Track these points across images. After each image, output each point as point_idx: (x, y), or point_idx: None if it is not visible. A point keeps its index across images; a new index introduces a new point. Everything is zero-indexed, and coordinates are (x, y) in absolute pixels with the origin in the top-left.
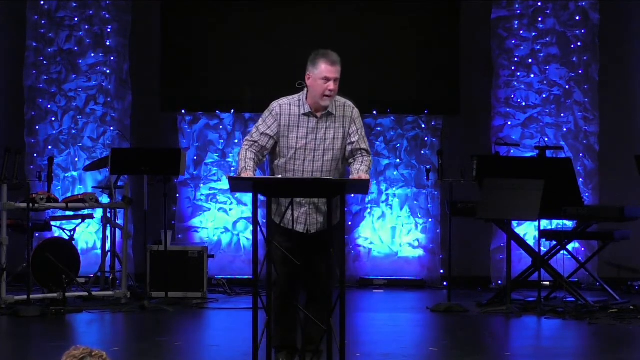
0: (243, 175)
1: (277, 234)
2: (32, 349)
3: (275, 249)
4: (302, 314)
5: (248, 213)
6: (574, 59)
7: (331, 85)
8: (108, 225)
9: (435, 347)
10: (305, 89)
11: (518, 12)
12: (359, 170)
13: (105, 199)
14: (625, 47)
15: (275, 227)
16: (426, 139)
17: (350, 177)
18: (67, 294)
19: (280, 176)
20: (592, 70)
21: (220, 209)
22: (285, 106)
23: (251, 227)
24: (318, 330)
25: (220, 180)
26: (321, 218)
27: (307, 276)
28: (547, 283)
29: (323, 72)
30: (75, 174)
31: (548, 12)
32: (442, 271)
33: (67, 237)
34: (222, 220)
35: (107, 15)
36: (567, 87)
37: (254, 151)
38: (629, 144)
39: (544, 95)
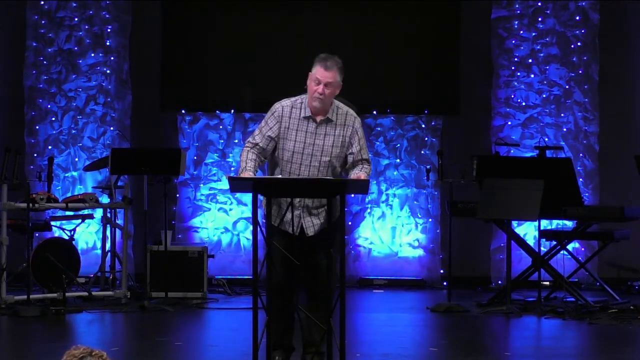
0: (243, 175)
1: (275, 235)
2: (32, 349)
3: (273, 248)
4: (302, 314)
5: (248, 213)
6: (574, 59)
7: (320, 88)
8: (108, 225)
9: (435, 347)
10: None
11: (518, 12)
12: (359, 174)
13: (105, 199)
14: (625, 47)
15: (273, 228)
16: (426, 139)
17: (349, 177)
18: (67, 294)
19: (280, 176)
20: (592, 70)
21: (220, 209)
22: (287, 108)
23: (251, 227)
24: (319, 331)
25: (220, 180)
26: (316, 220)
27: (306, 276)
28: (547, 283)
29: (316, 74)
30: (75, 174)
31: (548, 12)
32: (442, 271)
33: (67, 237)
34: (222, 220)
35: (107, 15)
36: (567, 87)
37: (255, 152)
38: (629, 144)
39: (544, 95)
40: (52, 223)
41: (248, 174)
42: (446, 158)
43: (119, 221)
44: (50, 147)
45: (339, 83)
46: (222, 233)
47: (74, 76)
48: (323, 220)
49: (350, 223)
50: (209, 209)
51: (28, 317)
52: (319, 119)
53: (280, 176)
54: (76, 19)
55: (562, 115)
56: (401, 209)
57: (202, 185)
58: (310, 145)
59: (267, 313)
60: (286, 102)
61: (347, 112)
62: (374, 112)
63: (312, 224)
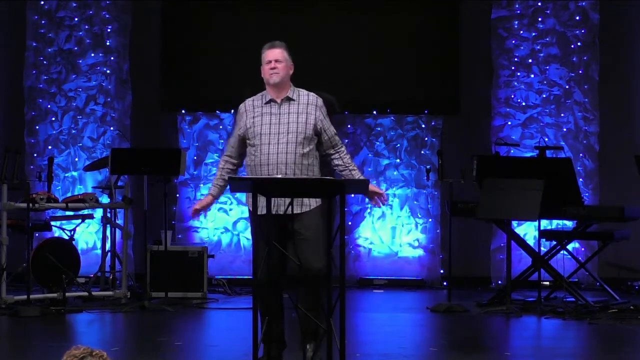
0: (205, 197)
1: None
2: (32, 349)
3: (258, 239)
4: (297, 309)
5: (248, 213)
6: (574, 59)
7: (272, 64)
8: (108, 225)
9: (435, 347)
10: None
11: (518, 12)
12: (355, 177)
13: (105, 199)
14: (625, 47)
15: (260, 218)
16: (426, 139)
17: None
18: (67, 294)
19: (253, 175)
20: (592, 70)
21: (220, 209)
22: (249, 102)
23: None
24: (309, 322)
25: None
26: (306, 200)
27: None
28: (547, 283)
29: (266, 57)
30: (75, 174)
31: (548, 12)
32: (442, 271)
33: (67, 237)
34: (222, 220)
35: (107, 15)
36: (567, 87)
37: (229, 168)
38: (629, 144)
39: (544, 95)
40: (52, 223)
41: (208, 197)
42: (446, 158)
43: (119, 221)
44: (50, 147)
45: (287, 59)
46: (222, 233)
47: (74, 76)
48: (313, 201)
49: (350, 223)
50: (209, 209)
51: (28, 317)
52: (279, 99)
53: (279, 176)
54: (76, 19)
55: (562, 115)
56: (401, 209)
57: (202, 185)
58: (275, 124)
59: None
60: (248, 99)
61: (309, 93)
62: (374, 112)
63: (301, 203)
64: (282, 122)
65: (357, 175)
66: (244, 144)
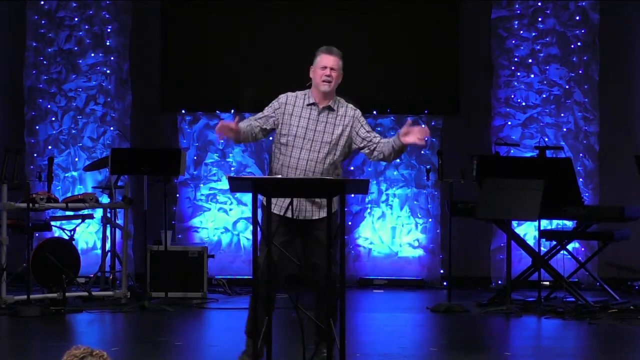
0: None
1: (274, 222)
2: (32, 349)
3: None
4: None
5: (248, 213)
6: (574, 59)
7: (328, 71)
8: (108, 225)
9: (435, 347)
10: (311, 85)
11: (518, 12)
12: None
13: (105, 199)
14: (625, 47)
15: (274, 216)
16: (426, 138)
17: (403, 130)
18: (67, 294)
19: (278, 174)
20: (592, 70)
21: (220, 209)
22: (292, 97)
23: (251, 227)
24: (321, 329)
25: (220, 180)
26: (309, 206)
27: (311, 274)
28: (547, 283)
29: (322, 61)
30: (75, 174)
31: (548, 12)
32: (442, 271)
33: (67, 237)
34: (222, 220)
35: (107, 15)
36: (567, 87)
37: (252, 124)
38: (629, 144)
39: (544, 95)
40: (52, 223)
41: (236, 120)
42: (446, 158)
43: (119, 221)
44: (50, 147)
45: (341, 69)
46: (222, 233)
47: (74, 76)
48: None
49: (350, 223)
50: (209, 209)
51: (28, 317)
52: (321, 106)
53: (279, 176)
54: (76, 19)
55: (562, 115)
56: (401, 209)
57: (202, 185)
58: (311, 130)
59: (267, 313)
60: (292, 93)
61: (348, 105)
62: (374, 112)
63: (305, 209)
64: (318, 129)
65: (384, 141)
66: (270, 120)
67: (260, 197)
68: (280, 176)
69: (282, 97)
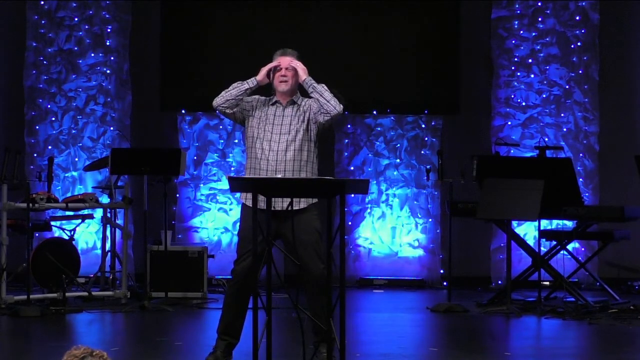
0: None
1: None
2: (32, 349)
3: (246, 229)
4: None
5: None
6: (574, 59)
7: (282, 71)
8: (108, 225)
9: (435, 347)
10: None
11: (518, 12)
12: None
13: (105, 199)
14: (625, 47)
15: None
16: (426, 139)
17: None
18: (67, 294)
19: (249, 174)
20: (592, 70)
21: (220, 209)
22: (261, 98)
23: None
24: (318, 327)
25: (220, 180)
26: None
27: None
28: (547, 283)
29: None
30: (75, 174)
31: (548, 12)
32: (442, 271)
33: (67, 237)
34: (222, 220)
35: (107, 15)
36: (567, 87)
37: (243, 98)
38: (629, 144)
39: (544, 95)
40: (52, 223)
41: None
42: (446, 158)
43: (119, 221)
44: (50, 147)
45: (301, 66)
46: (222, 233)
47: (74, 76)
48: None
49: (350, 223)
50: (209, 209)
51: (28, 317)
52: (284, 102)
53: (279, 176)
54: (76, 19)
55: (562, 115)
56: (401, 209)
57: (202, 185)
58: (278, 125)
59: (267, 313)
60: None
61: (307, 99)
62: (374, 112)
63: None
64: (284, 123)
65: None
66: (241, 111)
67: (241, 198)
68: (280, 176)
69: (256, 96)
